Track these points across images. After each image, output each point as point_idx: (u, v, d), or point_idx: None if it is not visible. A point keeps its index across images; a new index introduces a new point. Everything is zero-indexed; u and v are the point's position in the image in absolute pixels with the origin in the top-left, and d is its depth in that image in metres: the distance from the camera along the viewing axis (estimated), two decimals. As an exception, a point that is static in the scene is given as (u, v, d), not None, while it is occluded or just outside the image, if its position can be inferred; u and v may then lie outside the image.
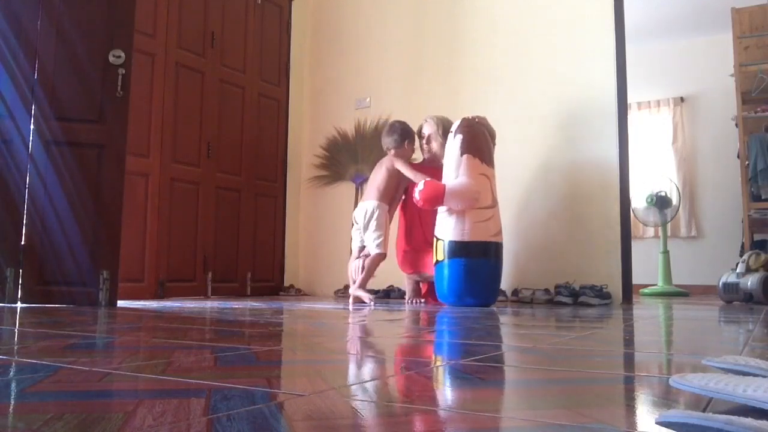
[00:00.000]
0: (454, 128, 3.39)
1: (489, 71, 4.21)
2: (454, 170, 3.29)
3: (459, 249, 3.21)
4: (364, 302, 3.44)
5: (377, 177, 3.65)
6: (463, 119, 3.40)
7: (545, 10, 4.08)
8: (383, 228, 3.55)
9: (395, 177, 3.62)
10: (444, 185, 3.22)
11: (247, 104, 4.49)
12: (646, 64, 6.84)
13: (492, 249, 3.27)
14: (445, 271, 3.25)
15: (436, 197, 3.19)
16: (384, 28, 4.70)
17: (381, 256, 3.53)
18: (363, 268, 3.57)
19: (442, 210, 3.31)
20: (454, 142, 3.33)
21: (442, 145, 3.51)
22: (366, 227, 3.57)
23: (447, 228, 3.26)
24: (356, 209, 3.73)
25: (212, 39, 4.23)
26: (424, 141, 3.67)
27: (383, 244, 3.52)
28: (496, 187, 3.38)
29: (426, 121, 3.68)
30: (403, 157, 3.67)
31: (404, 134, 3.68)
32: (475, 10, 4.33)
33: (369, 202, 3.60)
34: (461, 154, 3.28)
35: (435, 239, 3.33)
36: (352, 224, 3.75)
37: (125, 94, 3.00)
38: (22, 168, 2.87)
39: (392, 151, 3.68)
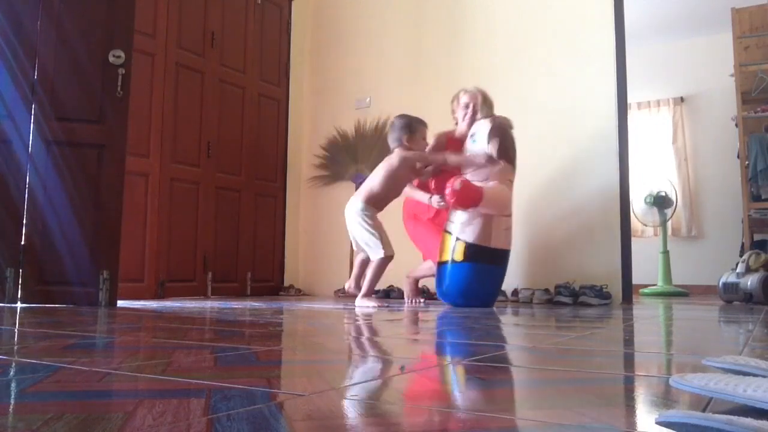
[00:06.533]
0: (487, 130, 3.24)
1: (489, 71, 4.20)
2: (486, 172, 3.22)
3: (480, 253, 3.16)
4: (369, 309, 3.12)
5: (375, 179, 3.40)
6: (497, 119, 3.31)
7: (545, 10, 4.08)
8: (378, 230, 3.27)
9: (393, 180, 3.37)
10: (482, 190, 3.11)
11: (247, 104, 4.49)
12: (646, 64, 6.83)
13: (507, 257, 3.31)
14: (459, 272, 3.18)
15: (473, 201, 3.09)
16: (384, 29, 4.70)
17: (385, 260, 3.24)
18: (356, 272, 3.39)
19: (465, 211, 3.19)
20: (490, 146, 3.20)
21: (485, 116, 3.36)
22: (355, 228, 3.32)
23: (471, 230, 3.17)
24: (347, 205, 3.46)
25: (212, 39, 4.23)
26: (469, 110, 3.45)
27: (383, 246, 3.22)
28: None
29: (466, 91, 3.50)
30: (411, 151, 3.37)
31: (404, 129, 3.38)
32: (474, 11, 4.33)
33: (356, 203, 3.36)
34: (498, 158, 3.21)
35: (455, 238, 3.20)
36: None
37: (125, 94, 3.00)
38: (22, 168, 2.87)
39: (398, 150, 3.39)
